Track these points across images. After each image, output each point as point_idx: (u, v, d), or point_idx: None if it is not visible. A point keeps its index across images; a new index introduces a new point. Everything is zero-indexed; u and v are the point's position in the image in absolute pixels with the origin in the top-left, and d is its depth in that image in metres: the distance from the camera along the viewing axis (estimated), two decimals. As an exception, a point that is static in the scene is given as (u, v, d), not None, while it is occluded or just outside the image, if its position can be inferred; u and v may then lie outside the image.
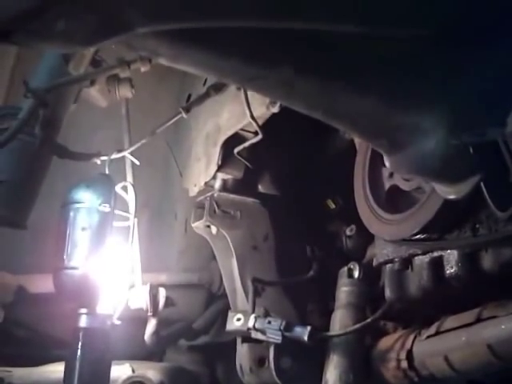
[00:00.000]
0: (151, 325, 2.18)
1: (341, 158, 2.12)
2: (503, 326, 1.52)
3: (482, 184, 1.35)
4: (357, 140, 1.96)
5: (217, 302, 2.49)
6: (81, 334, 1.74)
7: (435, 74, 1.07)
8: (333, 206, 2.29)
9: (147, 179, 2.58)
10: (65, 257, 1.74)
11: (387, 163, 1.25)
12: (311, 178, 2.32)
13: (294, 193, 2.31)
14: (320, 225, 2.30)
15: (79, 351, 1.73)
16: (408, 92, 1.10)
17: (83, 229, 1.75)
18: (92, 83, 1.94)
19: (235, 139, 2.09)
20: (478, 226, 1.51)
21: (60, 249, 1.75)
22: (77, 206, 1.77)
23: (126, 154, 1.97)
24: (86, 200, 1.77)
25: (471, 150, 1.08)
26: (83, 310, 1.76)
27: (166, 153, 2.59)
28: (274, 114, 1.95)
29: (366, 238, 2.03)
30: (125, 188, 1.96)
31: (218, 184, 2.20)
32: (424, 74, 1.08)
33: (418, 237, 1.62)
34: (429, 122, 1.09)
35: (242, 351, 2.05)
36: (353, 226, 2.17)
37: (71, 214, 1.77)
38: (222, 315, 2.22)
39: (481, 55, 1.10)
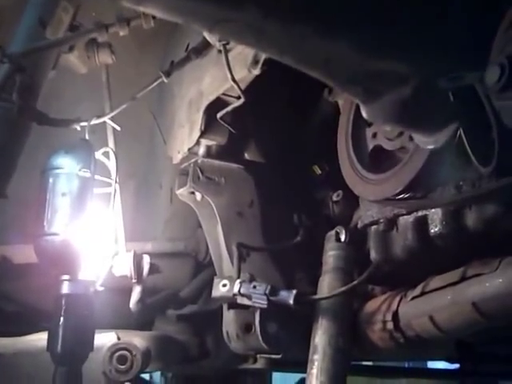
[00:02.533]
0: (136, 292, 2.17)
1: (326, 122, 2.10)
2: (487, 284, 1.52)
3: (464, 139, 1.34)
4: (341, 102, 1.94)
5: (204, 270, 2.48)
6: (63, 301, 1.73)
7: (407, 18, 1.05)
8: (319, 171, 2.27)
9: (132, 149, 2.56)
10: (45, 223, 1.72)
11: (364, 113, 1.23)
12: (297, 143, 2.30)
13: (279, 159, 2.29)
14: (306, 191, 2.28)
15: (62, 318, 1.71)
16: (380, 38, 1.08)
17: (63, 194, 1.72)
18: (71, 49, 1.91)
19: (218, 104, 2.06)
20: (461, 183, 1.50)
21: (40, 215, 1.73)
22: (56, 171, 1.75)
23: (105, 119, 1.95)
24: (65, 165, 1.74)
25: (450, 97, 1.07)
26: (65, 277, 1.74)
27: (151, 123, 2.56)
28: (256, 79, 1.92)
29: (352, 203, 2.01)
30: (107, 154, 1.94)
31: (201, 150, 2.17)
32: (396, 19, 1.06)
33: (401, 196, 1.61)
34: (403, 68, 1.07)
35: (229, 317, 2.04)
36: (339, 192, 2.16)
37: (50, 180, 1.74)
38: (210, 284, 2.21)
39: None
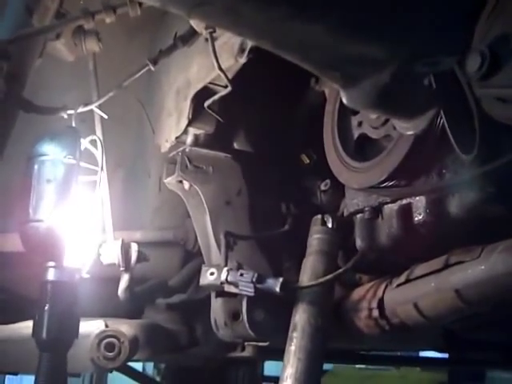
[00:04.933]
0: (124, 280, 2.18)
1: (314, 112, 2.10)
2: (469, 271, 1.54)
3: (446, 127, 1.35)
4: (327, 91, 1.94)
5: (193, 259, 2.49)
6: (48, 288, 1.73)
7: (382, 2, 1.05)
8: (307, 160, 2.28)
9: (121, 138, 2.56)
10: (30, 210, 1.72)
11: (344, 99, 1.24)
12: (284, 133, 2.30)
13: (267, 148, 2.29)
14: (294, 180, 2.29)
15: (47, 304, 1.71)
16: (355, 22, 1.08)
17: (48, 181, 1.72)
18: (58, 37, 1.90)
19: (206, 93, 2.06)
20: (444, 171, 1.51)
21: (25, 202, 1.73)
22: (41, 158, 1.74)
23: (93, 107, 1.95)
24: (51, 152, 1.74)
25: (427, 82, 1.07)
26: (50, 264, 1.74)
27: (139, 112, 2.56)
28: (243, 68, 1.93)
29: (340, 192, 2.02)
30: (94, 143, 1.94)
31: (189, 139, 2.18)
32: (370, 3, 1.06)
33: (385, 184, 1.62)
34: (379, 52, 1.07)
35: (216, 306, 2.05)
36: (327, 181, 2.17)
37: (36, 166, 1.74)
38: (199, 273, 2.22)
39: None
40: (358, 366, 6.37)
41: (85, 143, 1.89)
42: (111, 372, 2.55)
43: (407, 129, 1.30)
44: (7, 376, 7.64)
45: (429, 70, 1.05)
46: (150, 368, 6.64)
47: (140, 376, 3.97)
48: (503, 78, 1.23)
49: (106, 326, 2.05)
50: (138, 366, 4.24)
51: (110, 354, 2.02)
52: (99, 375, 6.68)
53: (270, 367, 4.01)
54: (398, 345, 2.76)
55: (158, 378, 5.43)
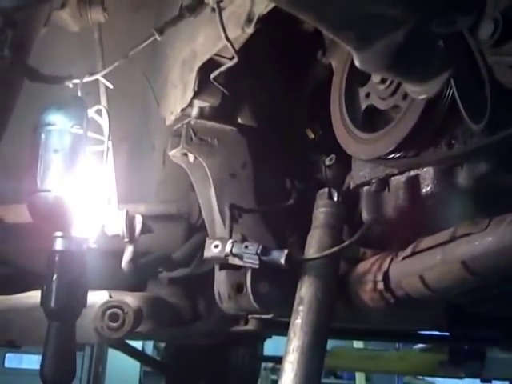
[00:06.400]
0: (128, 252, 2.18)
1: (320, 85, 2.09)
2: (477, 243, 1.53)
3: (456, 95, 1.34)
4: (334, 63, 1.93)
5: (197, 233, 2.49)
6: (57, 257, 1.74)
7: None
8: (312, 135, 2.27)
9: (126, 112, 2.55)
10: (38, 179, 1.72)
11: (356, 61, 1.22)
12: (290, 107, 2.29)
13: (272, 122, 2.28)
14: (299, 154, 2.28)
15: (55, 274, 1.72)
16: None
17: (55, 151, 1.72)
18: (63, 6, 1.89)
19: (212, 65, 2.05)
20: (453, 141, 1.50)
21: (33, 172, 1.73)
22: (48, 128, 1.74)
23: (98, 76, 1.94)
24: (57, 122, 1.74)
25: (441, 44, 1.07)
26: (58, 233, 1.74)
27: (145, 85, 2.54)
28: (250, 41, 1.91)
29: (345, 167, 2.02)
30: (99, 112, 1.93)
31: (194, 111, 2.16)
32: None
33: (394, 155, 1.61)
34: (395, 11, 1.06)
35: (220, 278, 2.05)
36: (332, 156, 2.16)
37: (43, 136, 1.74)
38: (203, 247, 2.22)
39: None
40: (356, 346, 6.42)
41: (91, 113, 1.88)
42: (114, 346, 2.56)
43: (419, 93, 1.29)
44: (7, 355, 7.72)
45: (444, 29, 1.05)
46: (149, 348, 6.71)
47: (140, 354, 4.00)
48: (516, 45, 1.22)
49: (110, 296, 2.06)
50: (137, 345, 4.27)
51: (114, 324, 2.03)
52: (99, 353, 6.73)
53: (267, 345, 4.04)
54: (400, 323, 2.78)
55: (157, 358, 5.47)
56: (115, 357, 6.41)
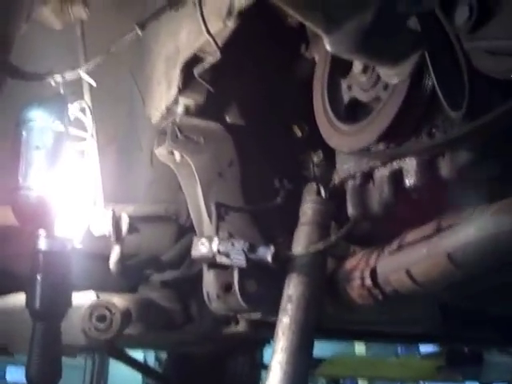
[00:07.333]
0: (115, 252, 2.16)
1: (305, 81, 2.07)
2: (461, 234, 1.51)
3: (434, 82, 1.33)
4: (317, 56, 1.92)
5: (186, 235, 2.47)
6: (41, 257, 1.72)
7: None
8: (299, 133, 2.25)
9: (113, 111, 2.53)
10: (20, 177, 1.70)
11: (327, 45, 1.21)
12: (276, 105, 2.27)
13: (259, 120, 2.26)
14: (287, 152, 2.26)
15: (40, 274, 1.71)
16: None
17: (37, 147, 1.71)
18: (45, 2, 1.88)
19: (196, 61, 2.03)
20: (434, 130, 1.48)
21: (14, 170, 1.72)
22: (29, 124, 1.73)
23: (80, 72, 1.92)
24: (38, 118, 1.73)
25: (412, 25, 1.05)
26: (42, 232, 1.73)
27: (131, 83, 2.53)
28: (234, 36, 1.90)
29: (333, 164, 2.00)
30: (83, 110, 1.92)
31: (180, 109, 2.14)
32: None
33: (376, 146, 1.60)
34: None
35: (209, 278, 2.03)
36: (319, 152, 2.15)
37: (24, 133, 1.73)
38: (192, 249, 2.20)
39: None
40: (358, 353, 6.40)
41: (74, 111, 1.87)
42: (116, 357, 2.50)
43: (392, 76, 1.28)
44: (8, 367, 7.64)
45: (410, 9, 1.03)
46: (151, 359, 6.67)
47: (141, 366, 3.96)
48: (492, 29, 1.21)
49: (98, 297, 2.04)
50: (139, 356, 4.23)
51: (102, 325, 2.01)
52: (100, 365, 6.70)
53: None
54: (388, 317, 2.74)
55: (159, 370, 5.43)
56: (116, 369, 6.39)
